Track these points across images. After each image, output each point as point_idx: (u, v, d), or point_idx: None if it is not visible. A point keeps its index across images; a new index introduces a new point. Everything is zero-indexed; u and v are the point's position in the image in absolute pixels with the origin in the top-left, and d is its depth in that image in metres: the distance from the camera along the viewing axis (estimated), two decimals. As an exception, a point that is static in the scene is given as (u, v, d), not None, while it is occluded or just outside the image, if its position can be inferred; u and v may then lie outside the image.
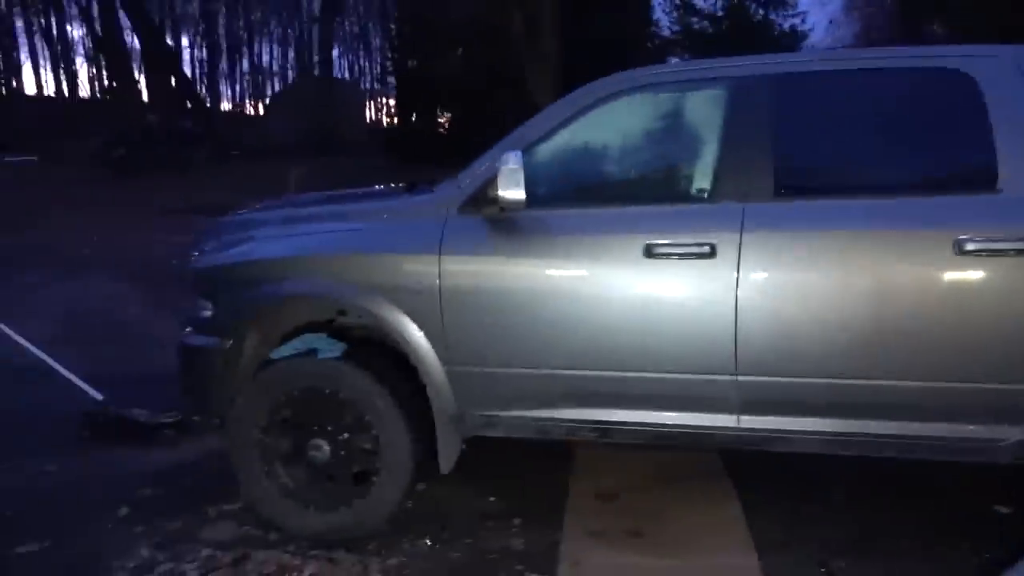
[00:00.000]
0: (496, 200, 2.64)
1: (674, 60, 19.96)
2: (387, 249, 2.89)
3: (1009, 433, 2.48)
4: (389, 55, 29.65)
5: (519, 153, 2.63)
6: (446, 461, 2.87)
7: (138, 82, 31.58)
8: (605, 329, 2.68)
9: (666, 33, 23.40)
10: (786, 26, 22.18)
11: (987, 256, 2.38)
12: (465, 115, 21.94)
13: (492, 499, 3.22)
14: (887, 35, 21.51)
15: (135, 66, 32.24)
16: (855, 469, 3.20)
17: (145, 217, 13.62)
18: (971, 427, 2.51)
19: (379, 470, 2.83)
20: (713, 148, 2.70)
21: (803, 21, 22.60)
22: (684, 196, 2.80)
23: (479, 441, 2.98)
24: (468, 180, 2.86)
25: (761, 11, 22.39)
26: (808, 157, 2.71)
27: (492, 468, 3.41)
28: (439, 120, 25.31)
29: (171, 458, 3.71)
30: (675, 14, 23.10)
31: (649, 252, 2.61)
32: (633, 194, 2.85)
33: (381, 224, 2.99)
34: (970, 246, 2.38)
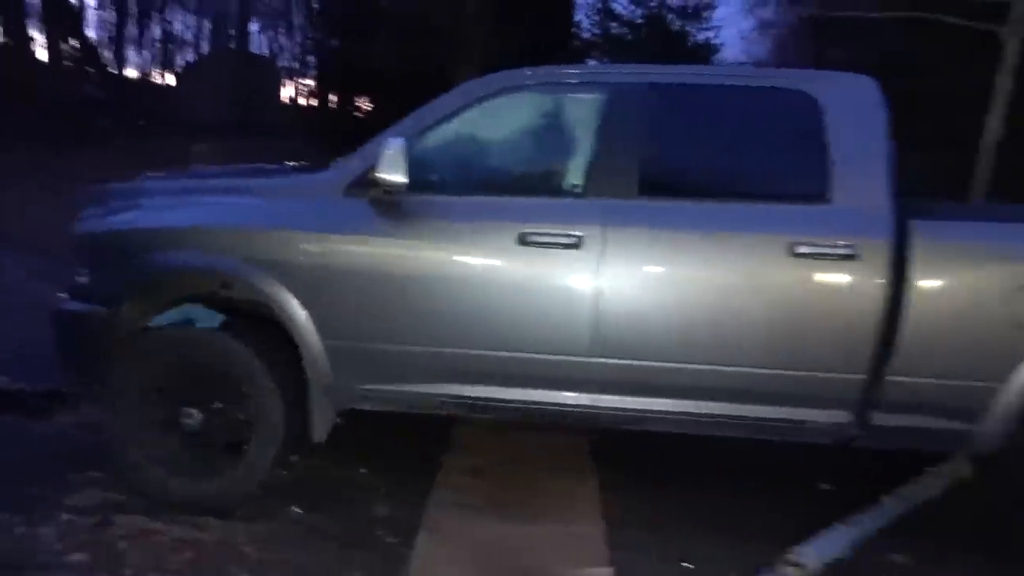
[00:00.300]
0: (379, 183, 2.76)
1: (592, 63, 20.43)
2: (272, 225, 2.95)
3: (829, 416, 2.79)
4: (310, 35, 29.01)
5: (402, 139, 2.76)
6: (319, 432, 2.97)
7: (33, 40, 29.62)
8: (478, 310, 2.85)
9: (587, 36, 23.88)
10: (700, 38, 22.99)
11: (816, 259, 2.67)
12: (385, 102, 21.75)
13: (364, 471, 3.35)
14: (795, 55, 22.60)
15: (32, 23, 30.27)
16: (704, 449, 3.48)
17: (37, 189, 12.91)
18: (800, 411, 2.81)
19: (251, 440, 2.90)
20: (586, 147, 2.91)
21: (716, 35, 23.53)
22: (557, 190, 2.99)
23: (359, 417, 3.10)
24: (356, 162, 2.97)
25: (678, 22, 23.16)
26: (670, 161, 2.95)
27: (369, 443, 3.55)
28: (358, 105, 24.99)
29: (42, 427, 3.64)
30: (596, 18, 23.61)
31: (522, 240, 2.79)
32: (511, 186, 3.02)
33: (269, 200, 3.05)
34: (801, 249, 2.67)
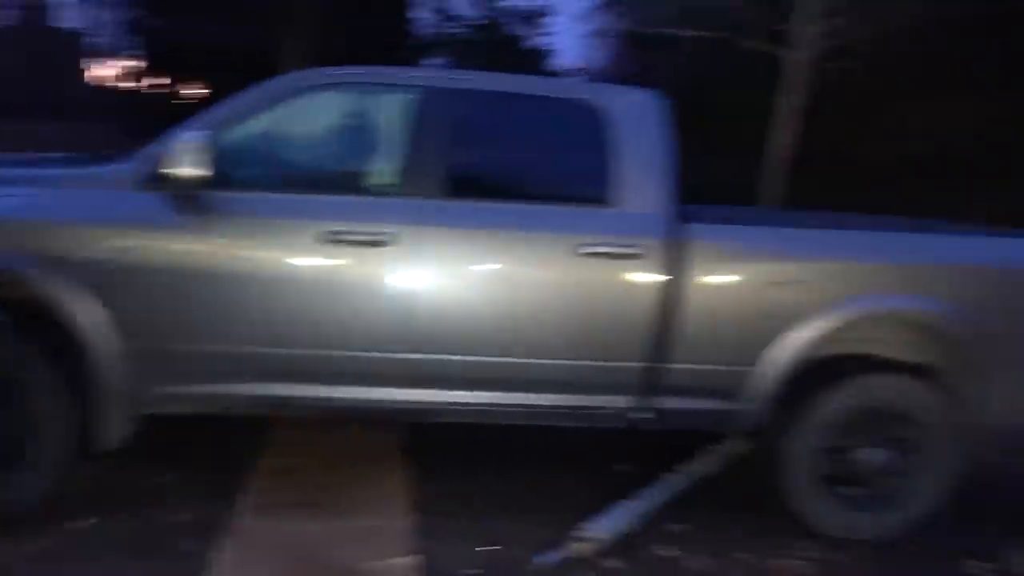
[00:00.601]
0: (175, 176, 2.69)
1: (427, 63, 20.52)
2: (60, 218, 2.79)
3: (617, 402, 3.06)
4: (130, 12, 26.87)
5: (200, 132, 2.71)
6: (111, 438, 2.84)
7: None
8: (284, 308, 2.85)
9: (425, 35, 23.90)
10: (534, 44, 23.74)
11: (600, 257, 2.92)
12: (209, 89, 20.62)
13: (170, 477, 3.24)
14: (627, 63, 23.84)
15: None
16: (512, 437, 3.68)
17: None
18: (592, 397, 3.06)
19: (33, 447, 2.72)
20: (395, 148, 3.00)
21: (550, 41, 24.41)
22: (366, 189, 3.06)
23: (167, 421, 2.99)
24: (153, 154, 2.86)
25: (515, 27, 23.76)
26: (473, 164, 3.09)
27: (176, 447, 3.43)
28: (179, 91, 23.49)
29: None
30: (434, 18, 23.69)
31: (330, 238, 2.82)
32: (320, 183, 3.04)
33: (58, 192, 2.87)
34: (587, 249, 2.90)
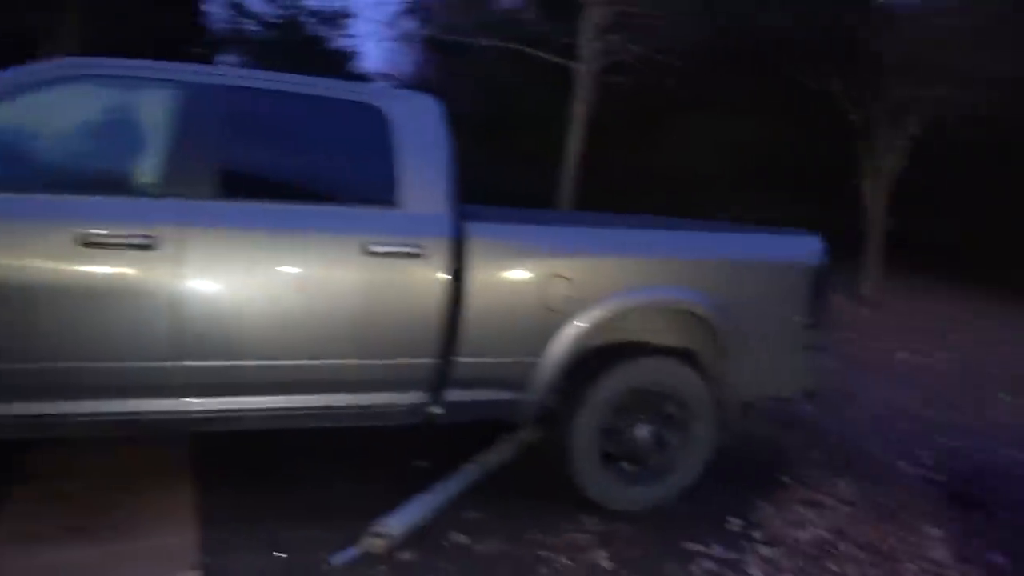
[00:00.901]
0: None
1: (223, 60, 19.48)
2: None
3: (408, 398, 3.13)
4: None
5: None
6: None
7: None
8: (40, 319, 2.62)
9: (219, 30, 22.65)
10: (337, 45, 23.27)
11: (387, 257, 2.97)
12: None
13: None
14: (432, 69, 23.98)
15: None
16: (306, 442, 3.63)
17: None
18: (382, 395, 3.10)
19: None
20: (161, 145, 2.84)
21: (354, 43, 24.04)
22: (128, 189, 2.86)
23: None
24: None
25: (317, 28, 23.14)
26: (249, 164, 3.02)
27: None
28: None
29: None
30: (228, 14, 22.50)
31: (87, 242, 2.63)
32: (74, 183, 2.80)
33: None
34: (374, 249, 2.94)
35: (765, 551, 3.22)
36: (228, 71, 3.08)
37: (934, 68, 9.15)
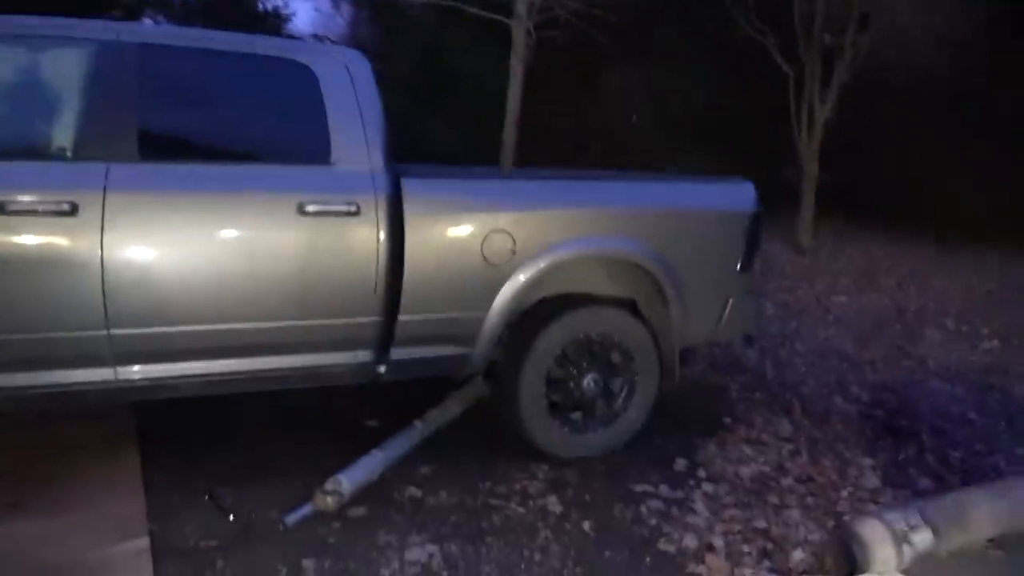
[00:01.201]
0: None
1: (148, 21, 18.61)
2: None
3: (353, 357, 3.11)
4: None
5: None
6: None
7: None
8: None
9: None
10: (266, 6, 22.43)
11: (323, 216, 2.92)
12: None
13: None
14: (367, 32, 23.35)
15: None
16: (253, 405, 3.59)
17: None
18: (327, 356, 3.08)
19: None
20: (77, 108, 2.71)
21: (286, 5, 23.17)
22: (44, 153, 2.74)
23: None
24: None
25: (245, -13, 22.24)
26: (174, 125, 2.92)
27: None
28: None
29: None
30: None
31: (2, 209, 2.51)
32: None
33: None
34: (309, 208, 2.89)
35: (709, 488, 3.34)
36: (147, 28, 2.95)
37: (861, 18, 9.35)
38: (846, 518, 3.07)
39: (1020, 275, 9.72)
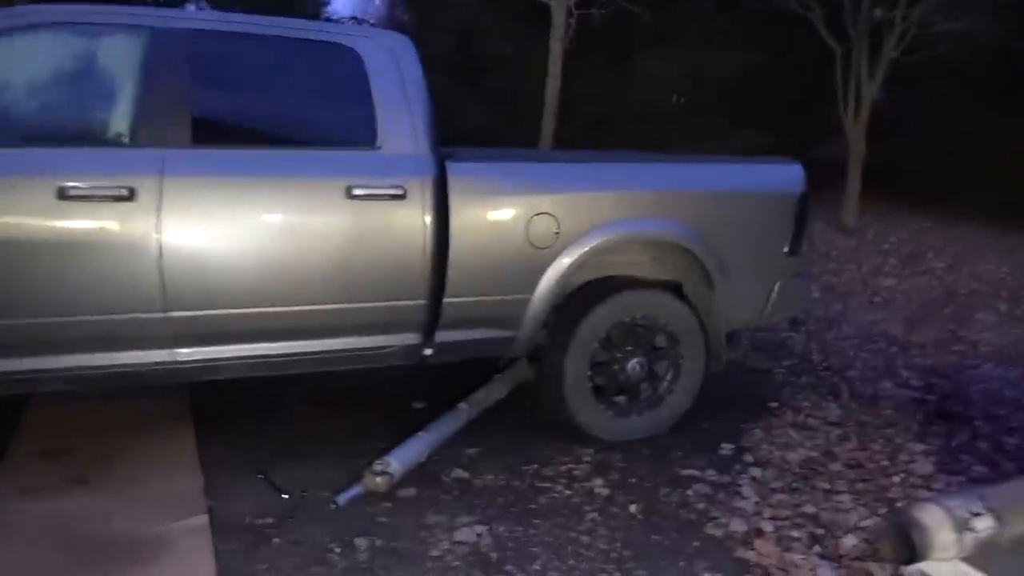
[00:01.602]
0: None
1: (191, 7, 18.85)
2: None
3: (400, 340, 3.14)
4: None
5: None
6: None
7: None
8: (20, 275, 2.59)
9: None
10: (306, -9, 22.51)
11: (371, 200, 2.95)
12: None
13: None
14: (402, 14, 23.33)
15: None
16: (305, 387, 3.66)
17: None
18: (374, 338, 3.11)
19: None
20: (133, 94, 2.77)
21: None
22: (102, 140, 2.79)
23: None
24: None
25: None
26: (226, 110, 2.97)
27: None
28: None
29: None
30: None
31: (63, 195, 2.58)
32: (46, 135, 2.73)
33: None
34: (357, 192, 2.92)
35: (756, 473, 3.31)
36: (199, 14, 2.99)
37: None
38: (902, 504, 3.02)
39: (1076, 256, 9.41)
